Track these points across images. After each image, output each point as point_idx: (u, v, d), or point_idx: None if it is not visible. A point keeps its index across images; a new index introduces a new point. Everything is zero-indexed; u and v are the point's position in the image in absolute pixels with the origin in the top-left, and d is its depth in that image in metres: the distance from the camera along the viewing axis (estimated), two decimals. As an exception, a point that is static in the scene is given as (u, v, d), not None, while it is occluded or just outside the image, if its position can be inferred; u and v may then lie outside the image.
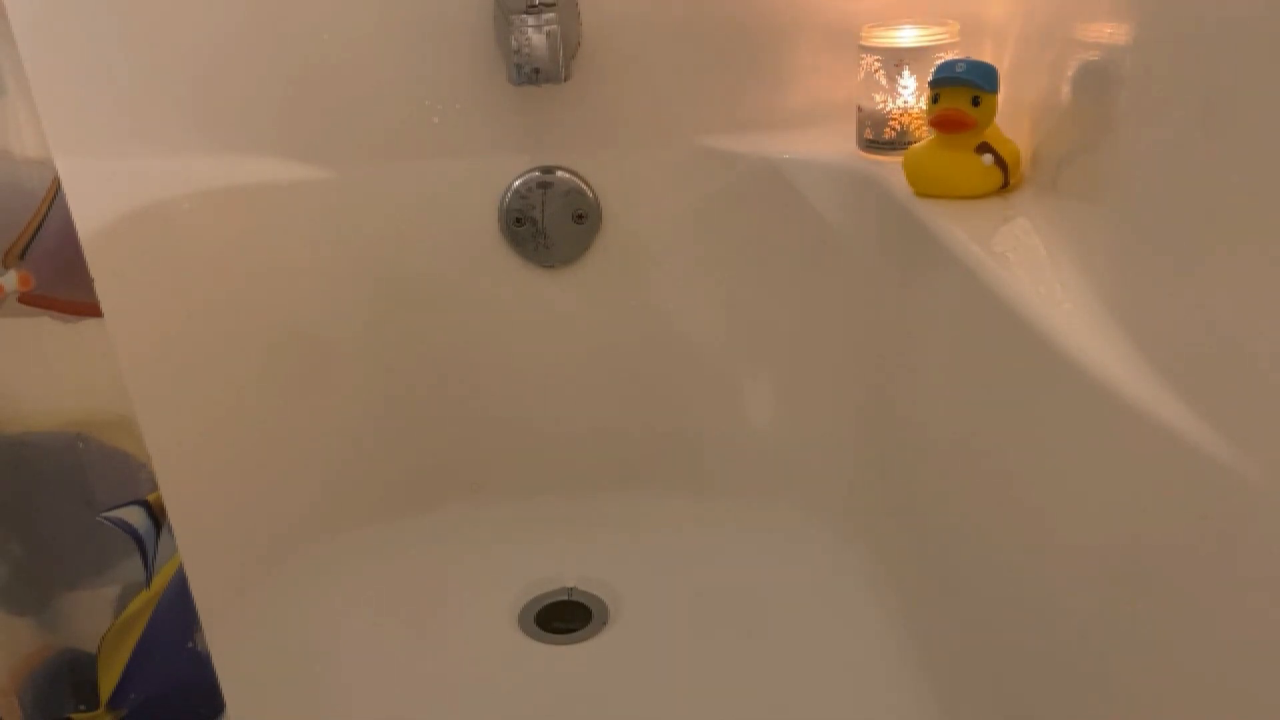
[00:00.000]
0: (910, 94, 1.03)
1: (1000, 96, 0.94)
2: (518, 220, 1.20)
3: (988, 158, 0.92)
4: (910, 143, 1.02)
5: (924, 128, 1.03)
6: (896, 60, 1.02)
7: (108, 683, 0.56)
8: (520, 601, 1.11)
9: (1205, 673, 0.56)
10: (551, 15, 1.08)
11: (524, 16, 1.08)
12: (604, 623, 1.07)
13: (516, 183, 1.19)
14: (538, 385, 1.26)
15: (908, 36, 1.03)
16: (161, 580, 0.56)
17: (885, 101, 1.04)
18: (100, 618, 0.55)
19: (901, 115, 1.04)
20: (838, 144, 1.12)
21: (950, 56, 1.00)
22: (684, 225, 1.21)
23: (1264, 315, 0.53)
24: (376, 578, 1.16)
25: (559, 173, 1.19)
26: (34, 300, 0.50)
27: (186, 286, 1.09)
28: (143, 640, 0.56)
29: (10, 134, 0.48)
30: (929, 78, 0.94)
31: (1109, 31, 0.77)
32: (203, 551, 0.76)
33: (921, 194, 0.97)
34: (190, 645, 0.59)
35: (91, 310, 0.52)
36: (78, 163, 0.84)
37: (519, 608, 1.10)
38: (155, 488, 0.56)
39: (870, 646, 1.01)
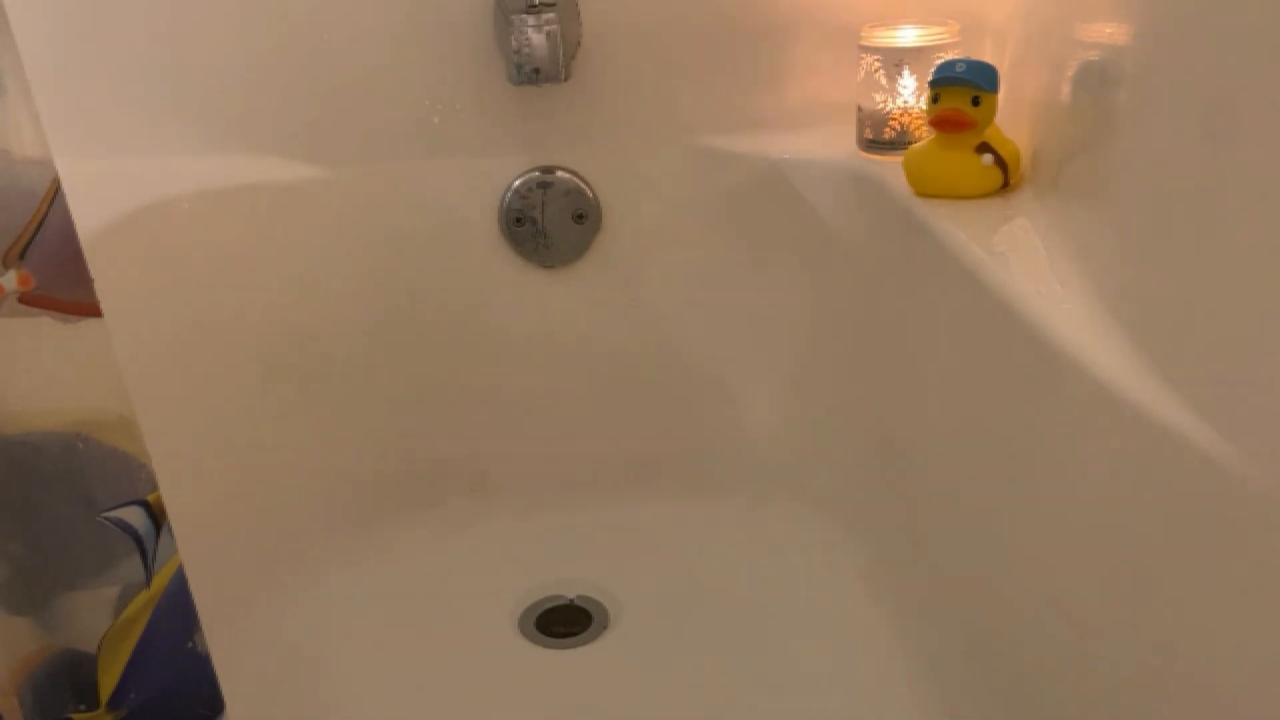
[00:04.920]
0: (910, 94, 1.03)
1: (1000, 96, 0.94)
2: (518, 220, 1.20)
3: (988, 158, 0.92)
4: (910, 143, 1.02)
5: (924, 128, 1.03)
6: (896, 60, 1.02)
7: (108, 683, 0.56)
8: (521, 605, 1.11)
9: (1204, 670, 0.56)
10: (551, 15, 1.08)
11: (524, 16, 1.08)
12: (604, 626, 1.07)
13: (516, 183, 1.19)
14: (537, 385, 1.26)
15: (908, 36, 1.03)
16: (161, 580, 0.56)
17: (885, 101, 1.04)
18: (100, 618, 0.55)
19: (901, 115, 1.04)
20: (838, 144, 1.12)
21: (950, 56, 1.00)
22: (684, 225, 1.21)
23: (1264, 315, 0.53)
24: (376, 579, 1.16)
25: (559, 173, 1.19)
26: (34, 300, 0.50)
27: (186, 286, 1.09)
28: (143, 640, 0.56)
29: (10, 134, 0.48)
30: (929, 78, 0.94)
31: (1109, 31, 0.77)
32: (203, 551, 0.76)
33: (921, 194, 0.97)
34: (190, 645, 0.59)
35: (91, 310, 0.52)
36: (78, 163, 0.84)
37: (519, 611, 1.10)
38: (155, 488, 0.56)
39: (871, 647, 1.01)
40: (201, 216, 1.11)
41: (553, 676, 1.02)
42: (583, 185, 1.19)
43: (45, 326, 0.51)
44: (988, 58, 1.00)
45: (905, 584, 1.04)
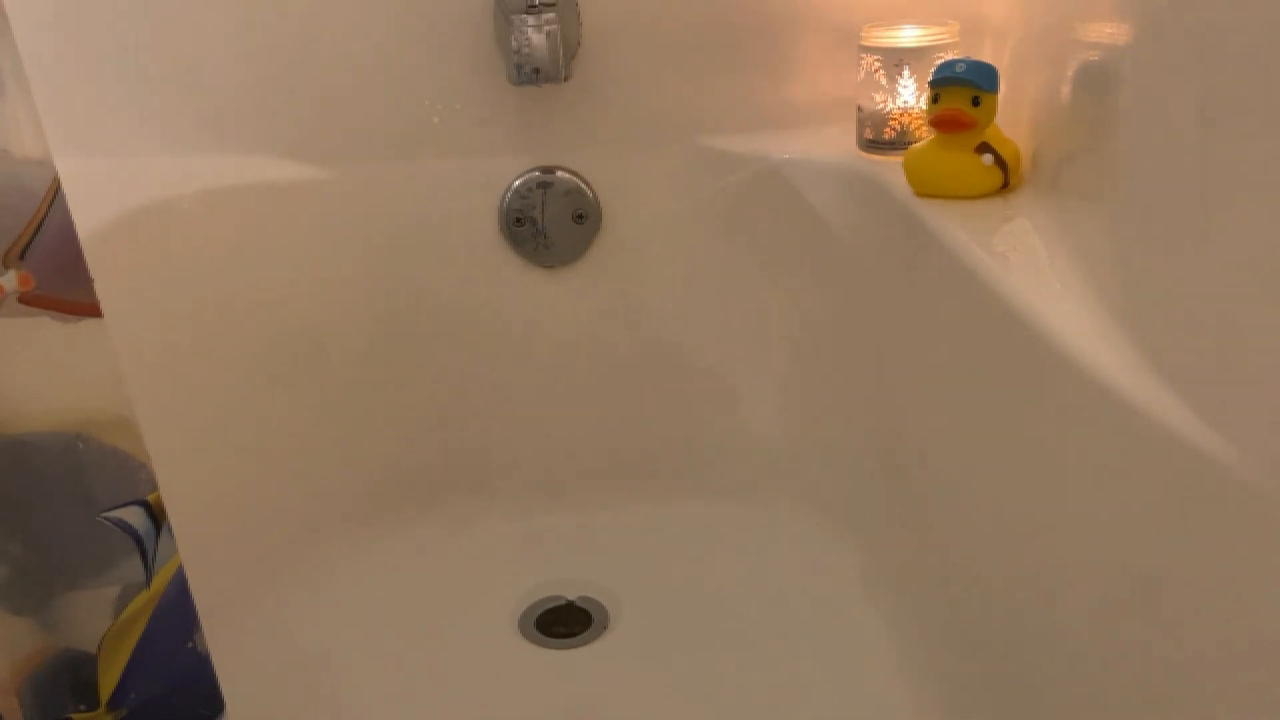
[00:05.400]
0: (910, 94, 1.03)
1: (1000, 96, 0.94)
2: (518, 220, 1.20)
3: (988, 158, 0.92)
4: (910, 143, 1.02)
5: (924, 128, 1.04)
6: (896, 60, 1.02)
7: (108, 683, 0.56)
8: (521, 606, 1.10)
9: (1203, 671, 0.56)
10: (551, 15, 1.08)
11: (524, 16, 1.08)
12: (604, 627, 1.07)
13: (516, 183, 1.19)
14: (537, 386, 1.26)
15: (908, 36, 1.03)
16: (161, 580, 0.56)
17: (885, 101, 1.04)
18: (100, 618, 0.55)
19: (901, 115, 1.04)
20: (838, 144, 1.12)
21: (950, 56, 1.00)
22: (684, 225, 1.21)
23: (1263, 315, 0.53)
24: (376, 579, 1.16)
25: (559, 173, 1.19)
26: (34, 300, 0.50)
27: (186, 286, 1.09)
28: (143, 640, 0.56)
29: (10, 134, 0.48)
30: (929, 78, 0.94)
31: (1109, 31, 0.77)
32: (203, 551, 0.76)
33: (921, 194, 0.97)
34: (190, 645, 0.59)
35: (91, 310, 0.52)
36: (78, 163, 0.85)
37: (520, 612, 1.10)
38: (155, 488, 0.56)
39: (870, 649, 1.01)
40: (201, 216, 1.11)
41: (553, 677, 1.02)
42: (583, 185, 1.19)
43: (45, 326, 0.51)
44: (988, 58, 1.00)
45: (904, 584, 1.04)
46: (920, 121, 1.04)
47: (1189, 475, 0.57)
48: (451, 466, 1.26)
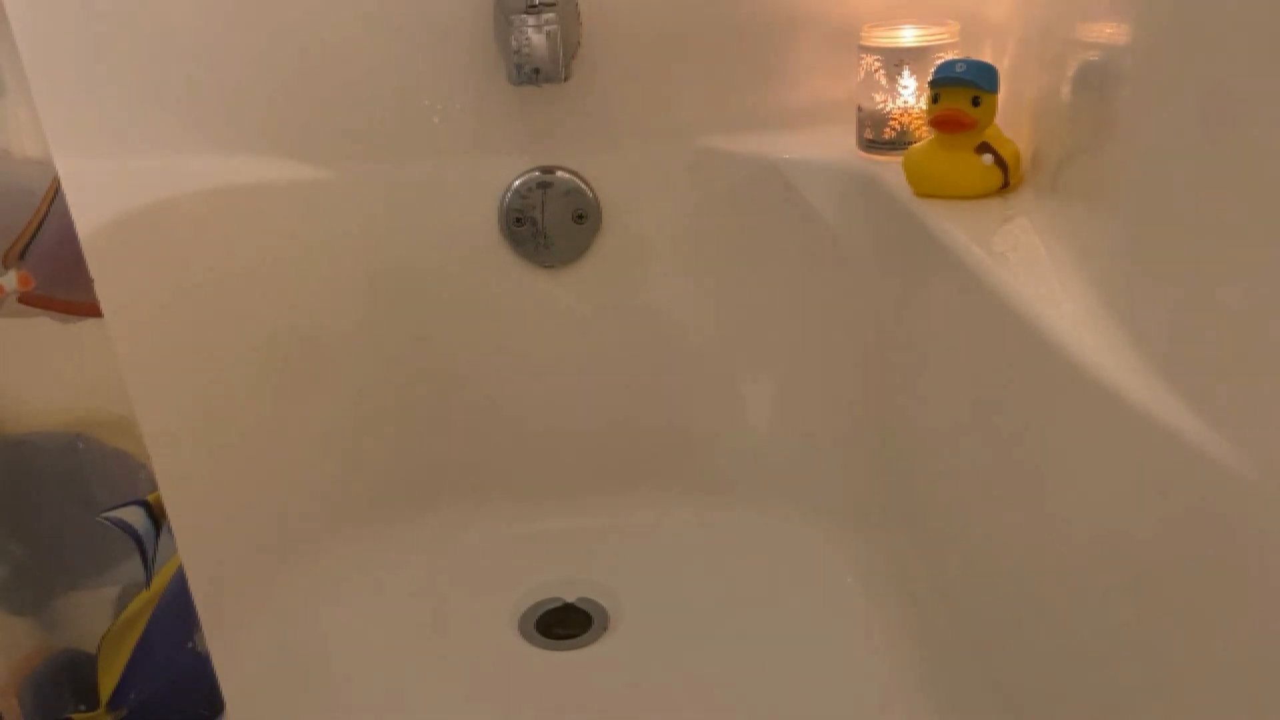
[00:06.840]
0: (910, 94, 1.03)
1: (1000, 96, 0.94)
2: (518, 220, 1.20)
3: (988, 158, 0.92)
4: (910, 143, 1.02)
5: (924, 128, 1.04)
6: (896, 60, 1.02)
7: (108, 683, 0.56)
8: (521, 607, 1.10)
9: (1204, 671, 0.56)
10: (551, 15, 1.08)
11: (524, 16, 1.08)
12: (604, 628, 1.07)
13: (516, 183, 1.19)
14: (537, 386, 1.26)
15: (908, 36, 1.03)
16: (161, 580, 0.56)
17: (885, 101, 1.04)
18: (100, 618, 0.55)
19: (901, 115, 1.04)
20: (838, 144, 1.12)
21: (950, 56, 1.00)
22: (684, 225, 1.21)
23: (1264, 315, 0.53)
24: (376, 579, 1.16)
25: (559, 173, 1.19)
26: (34, 300, 0.50)
27: (186, 286, 1.09)
28: (143, 640, 0.56)
29: (10, 134, 0.48)
30: (929, 78, 0.94)
31: (1109, 31, 0.77)
32: (203, 551, 0.76)
33: (921, 194, 0.97)
34: (190, 645, 0.59)
35: (91, 310, 0.52)
36: (78, 163, 0.84)
37: (519, 613, 1.10)
38: (155, 488, 0.56)
39: (871, 649, 1.01)
40: (201, 216, 1.11)
41: (553, 678, 1.02)
42: (583, 185, 1.19)
43: (45, 326, 0.51)
44: (988, 58, 1.00)
45: (904, 586, 1.04)
46: (920, 121, 1.04)
47: (1190, 475, 0.57)
48: (451, 467, 1.26)
